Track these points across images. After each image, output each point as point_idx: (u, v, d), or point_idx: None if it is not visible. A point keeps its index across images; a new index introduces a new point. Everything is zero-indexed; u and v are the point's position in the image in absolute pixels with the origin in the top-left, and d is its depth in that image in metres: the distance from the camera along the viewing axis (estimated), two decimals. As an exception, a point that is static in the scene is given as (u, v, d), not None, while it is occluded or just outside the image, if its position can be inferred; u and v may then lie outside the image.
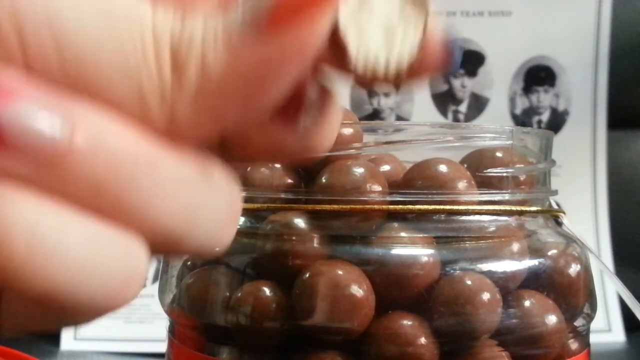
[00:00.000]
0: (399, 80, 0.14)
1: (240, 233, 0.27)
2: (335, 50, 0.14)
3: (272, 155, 0.16)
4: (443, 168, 0.26)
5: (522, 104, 0.62)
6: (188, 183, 0.14)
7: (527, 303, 0.25)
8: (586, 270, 0.27)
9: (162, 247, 0.14)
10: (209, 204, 0.15)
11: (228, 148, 0.16)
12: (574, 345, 0.27)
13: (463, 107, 0.62)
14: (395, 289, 0.24)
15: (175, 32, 0.13)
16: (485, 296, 0.24)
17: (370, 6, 0.14)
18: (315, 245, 0.25)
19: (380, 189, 0.25)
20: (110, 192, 0.13)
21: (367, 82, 0.14)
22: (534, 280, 0.25)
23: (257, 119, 0.14)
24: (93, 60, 0.13)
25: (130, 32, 0.13)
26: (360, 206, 0.25)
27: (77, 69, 0.13)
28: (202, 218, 0.14)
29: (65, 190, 0.12)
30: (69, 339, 0.54)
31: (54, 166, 0.12)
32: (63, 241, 0.12)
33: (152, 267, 0.50)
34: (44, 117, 0.12)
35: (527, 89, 0.61)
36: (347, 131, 0.27)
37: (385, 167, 0.27)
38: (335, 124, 0.17)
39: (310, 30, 0.13)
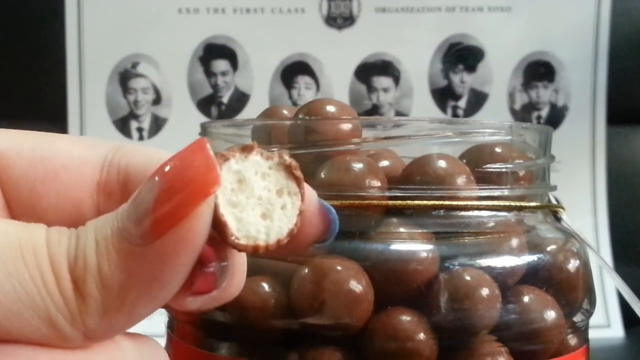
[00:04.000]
0: (280, 248, 0.16)
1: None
2: (217, 229, 0.15)
3: (189, 313, 0.17)
4: (442, 164, 0.26)
5: (521, 99, 0.62)
6: None
7: (526, 299, 0.25)
8: (585, 266, 0.27)
9: None
10: None
11: None
12: (572, 340, 0.27)
13: (462, 103, 0.61)
14: (394, 285, 0.24)
15: (70, 250, 0.14)
16: (484, 292, 0.24)
17: (250, 184, 0.15)
18: (314, 240, 0.25)
19: (379, 184, 0.25)
20: None
21: (249, 252, 0.15)
22: (533, 276, 0.25)
23: (166, 300, 0.15)
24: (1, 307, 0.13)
25: (27, 266, 0.14)
26: (359, 201, 0.25)
27: None
28: None
29: None
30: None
31: None
32: None
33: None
34: None
35: (527, 84, 0.61)
36: (346, 127, 0.26)
37: (384, 163, 0.27)
38: (242, 272, 0.17)
39: (192, 224, 0.14)
